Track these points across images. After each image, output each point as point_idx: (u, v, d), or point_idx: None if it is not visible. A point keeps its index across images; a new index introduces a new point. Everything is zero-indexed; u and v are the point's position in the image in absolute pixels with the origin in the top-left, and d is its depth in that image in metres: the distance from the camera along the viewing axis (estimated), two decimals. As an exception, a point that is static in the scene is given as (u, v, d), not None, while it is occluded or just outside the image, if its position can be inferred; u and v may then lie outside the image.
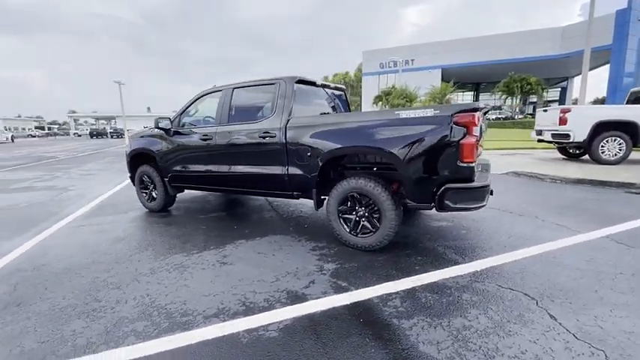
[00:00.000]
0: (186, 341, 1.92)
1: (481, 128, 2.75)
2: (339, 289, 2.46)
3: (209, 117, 4.29)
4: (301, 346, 1.84)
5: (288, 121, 3.41)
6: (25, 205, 5.70)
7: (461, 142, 2.56)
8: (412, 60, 35.13)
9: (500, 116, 32.32)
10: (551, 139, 7.92)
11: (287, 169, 3.45)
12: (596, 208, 4.40)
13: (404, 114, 2.81)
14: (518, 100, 29.91)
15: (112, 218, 4.67)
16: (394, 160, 2.82)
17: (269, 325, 2.04)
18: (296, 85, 3.58)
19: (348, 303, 2.27)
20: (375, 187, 2.95)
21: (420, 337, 1.87)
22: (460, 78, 39.80)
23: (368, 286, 2.49)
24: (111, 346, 1.92)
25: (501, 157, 10.05)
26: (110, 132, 48.24)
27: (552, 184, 6.13)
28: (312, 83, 3.87)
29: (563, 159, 8.79)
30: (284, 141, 3.40)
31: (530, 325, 1.96)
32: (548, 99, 38.45)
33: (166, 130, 4.42)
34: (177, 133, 4.40)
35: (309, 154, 3.26)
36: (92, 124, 74.35)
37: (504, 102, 30.77)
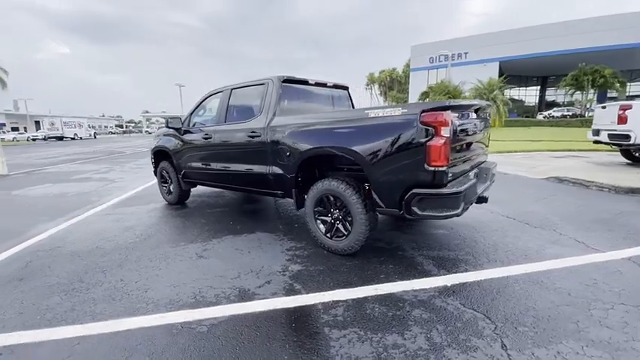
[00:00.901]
0: (126, 326, 2.07)
1: (456, 130, 2.46)
2: (290, 292, 2.43)
3: (215, 117, 4.50)
4: (221, 344, 1.87)
5: (272, 120, 3.44)
6: (73, 193, 6.56)
7: (428, 143, 2.35)
8: (465, 53, 32.46)
9: (567, 113, 28.32)
10: (608, 141, 6.81)
11: (270, 169, 3.49)
12: (638, 224, 3.69)
13: (372, 113, 2.66)
14: (591, 95, 25.97)
15: (133, 209, 5.16)
16: (361, 161, 2.69)
17: (204, 320, 2.11)
18: (284, 85, 3.59)
19: (291, 306, 2.23)
20: (346, 189, 2.84)
21: (340, 350, 1.78)
22: (522, 71, 36.03)
23: (320, 291, 2.42)
24: (68, 322, 2.14)
25: (552, 159, 8.95)
26: (173, 130, 53.04)
27: (599, 192, 5.28)
28: (304, 82, 3.84)
29: (627, 164, 7.49)
30: (268, 140, 3.44)
31: (471, 352, 1.73)
32: (632, 94, 32.78)
33: (178, 130, 4.75)
34: (186, 132, 4.70)
35: (288, 153, 3.26)
36: (162, 123, 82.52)
37: (572, 97, 26.90)
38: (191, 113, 4.75)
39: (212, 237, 3.69)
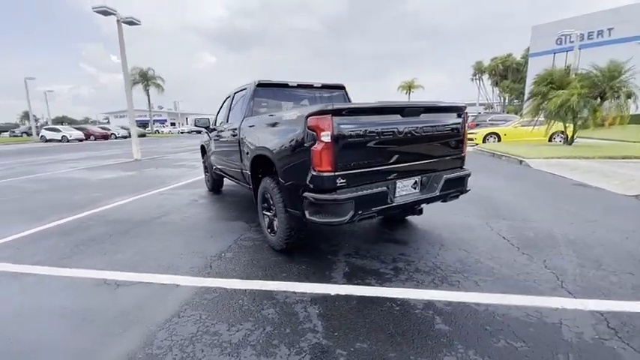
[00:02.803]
0: (81, 275, 2.82)
1: (346, 134, 2.27)
2: (198, 274, 2.77)
3: (224, 117, 5.16)
4: (112, 300, 2.39)
5: (242, 122, 3.80)
6: (163, 176, 8.41)
7: (311, 148, 2.31)
8: (609, 29, 24.65)
9: None
10: None
11: (242, 164, 3.88)
12: None
13: (285, 116, 2.71)
14: None
15: (182, 191, 6.36)
16: (275, 162, 2.79)
17: (122, 280, 2.68)
18: (260, 89, 3.90)
19: (182, 284, 2.59)
20: (274, 188, 2.98)
21: (173, 326, 2.05)
22: None
23: (220, 278, 2.69)
24: (57, 265, 3.03)
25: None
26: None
27: None
28: (282, 85, 4.03)
29: None
30: (240, 139, 3.83)
31: (265, 356, 1.75)
32: None
33: (207, 128, 5.63)
34: (212, 130, 5.52)
35: (247, 152, 3.58)
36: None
37: None
38: (217, 114, 5.54)
39: (204, 220, 4.35)
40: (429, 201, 2.83)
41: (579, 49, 19.09)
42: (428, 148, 2.83)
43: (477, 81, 38.50)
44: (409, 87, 48.69)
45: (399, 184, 2.68)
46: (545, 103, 10.70)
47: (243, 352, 1.80)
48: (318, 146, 2.27)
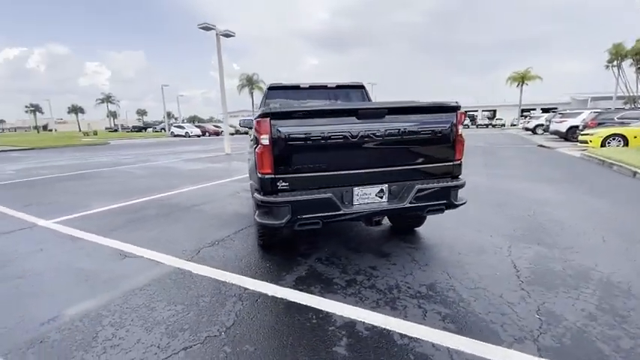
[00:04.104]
0: (107, 244, 3.56)
1: (287, 137, 2.22)
2: (184, 256, 3.16)
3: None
4: (115, 265, 2.97)
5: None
6: (232, 169, 9.55)
7: (256, 150, 2.37)
8: None
9: None
10: None
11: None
12: None
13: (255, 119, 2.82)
14: None
15: (234, 184, 7.13)
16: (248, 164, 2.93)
17: (130, 252, 3.28)
18: (272, 91, 4.10)
19: (166, 263, 3.00)
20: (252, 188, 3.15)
21: (132, 294, 2.44)
22: None
23: (195, 263, 3.01)
24: (97, 234, 3.87)
25: None
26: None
27: None
28: (293, 87, 4.13)
29: None
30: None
31: (165, 339, 1.95)
32: None
33: (250, 128, 6.16)
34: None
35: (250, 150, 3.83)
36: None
37: None
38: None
39: (228, 211, 4.84)
40: (396, 212, 2.56)
41: None
42: (399, 153, 2.53)
43: (615, 68, 29.36)
44: (522, 78, 41.75)
45: (358, 191, 2.49)
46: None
47: (156, 329, 2.04)
48: (258, 149, 2.33)
